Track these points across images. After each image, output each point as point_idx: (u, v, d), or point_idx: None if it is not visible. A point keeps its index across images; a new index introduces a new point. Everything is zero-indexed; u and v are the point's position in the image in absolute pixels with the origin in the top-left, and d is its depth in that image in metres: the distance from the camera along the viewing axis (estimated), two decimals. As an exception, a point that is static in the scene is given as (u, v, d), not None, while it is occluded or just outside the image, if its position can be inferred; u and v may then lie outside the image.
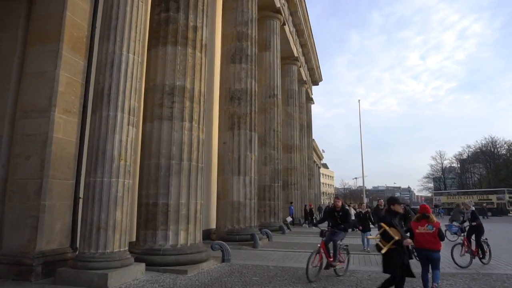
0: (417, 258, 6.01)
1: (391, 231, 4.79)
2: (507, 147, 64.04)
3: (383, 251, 4.79)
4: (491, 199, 45.14)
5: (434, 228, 5.31)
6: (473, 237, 8.80)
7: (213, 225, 13.44)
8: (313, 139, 38.76)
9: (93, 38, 7.87)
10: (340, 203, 7.63)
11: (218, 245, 8.95)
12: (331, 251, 7.12)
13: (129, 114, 6.76)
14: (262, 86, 18.48)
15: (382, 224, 4.89)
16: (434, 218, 5.53)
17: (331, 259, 7.01)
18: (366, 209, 12.79)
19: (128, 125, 6.73)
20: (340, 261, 7.22)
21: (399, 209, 5.09)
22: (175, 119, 8.14)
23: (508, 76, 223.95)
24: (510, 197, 43.87)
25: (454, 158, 70.95)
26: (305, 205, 25.10)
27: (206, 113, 13.99)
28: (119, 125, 6.54)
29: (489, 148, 64.37)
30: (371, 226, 12.15)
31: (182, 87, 8.33)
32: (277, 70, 19.13)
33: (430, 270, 5.45)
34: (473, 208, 9.73)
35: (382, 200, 11.38)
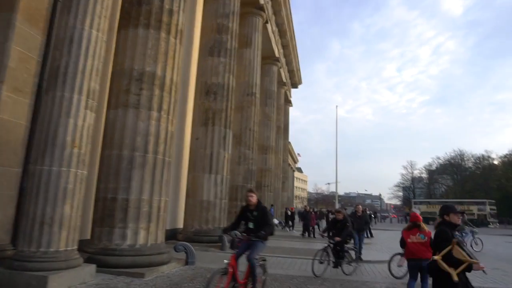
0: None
1: (461, 252, 3.70)
2: (473, 161, 66.57)
3: (455, 278, 3.60)
4: (472, 210, 44.70)
5: (426, 237, 5.25)
6: None
7: (181, 225, 12.73)
8: (289, 142, 38.53)
9: (55, 11, 7.07)
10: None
11: (182, 246, 8.30)
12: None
13: (87, 96, 6.03)
14: (240, 84, 17.92)
15: (454, 241, 3.79)
16: (425, 227, 5.44)
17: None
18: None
19: (86, 109, 6.00)
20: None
21: (457, 220, 4.12)
22: (142, 108, 7.45)
23: (477, 93, 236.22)
24: (491, 209, 43.76)
25: (424, 168, 72.99)
26: (286, 209, 24.64)
27: (180, 106, 13.39)
28: (75, 108, 5.81)
29: (457, 160, 66.75)
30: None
31: (152, 73, 7.65)
32: (257, 68, 18.64)
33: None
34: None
35: (360, 206, 10.84)
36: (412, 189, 71.11)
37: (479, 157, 65.93)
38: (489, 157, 65.03)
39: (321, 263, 7.40)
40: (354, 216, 10.78)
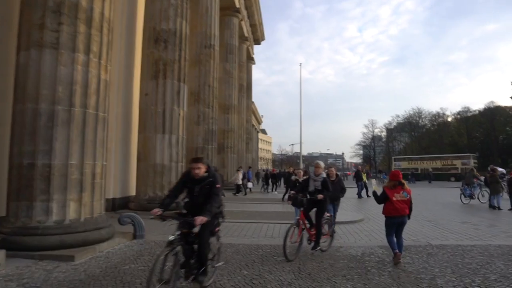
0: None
1: None
2: (429, 118, 69.19)
3: None
4: (455, 165, 44.15)
5: (408, 195, 5.42)
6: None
7: (133, 192, 11.40)
8: (253, 102, 37.14)
9: None
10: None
11: (128, 217, 7.05)
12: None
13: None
14: (196, 34, 16.10)
15: None
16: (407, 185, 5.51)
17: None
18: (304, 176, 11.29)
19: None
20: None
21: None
22: (63, 48, 5.81)
23: (432, 53, 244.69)
24: (475, 163, 42.40)
25: (383, 127, 75.09)
26: (267, 170, 27.69)
27: (125, 57, 11.48)
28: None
29: (415, 118, 69.03)
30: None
31: (75, 4, 5.94)
32: (215, 17, 16.79)
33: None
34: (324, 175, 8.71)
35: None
36: (372, 147, 73.26)
37: (434, 115, 68.56)
38: (444, 114, 67.81)
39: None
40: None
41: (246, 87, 29.44)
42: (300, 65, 44.88)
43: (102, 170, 6.39)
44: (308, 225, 5.85)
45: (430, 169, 43.55)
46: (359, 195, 17.25)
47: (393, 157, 55.51)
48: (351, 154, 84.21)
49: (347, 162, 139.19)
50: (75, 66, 5.84)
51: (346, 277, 4.68)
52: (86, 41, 6.04)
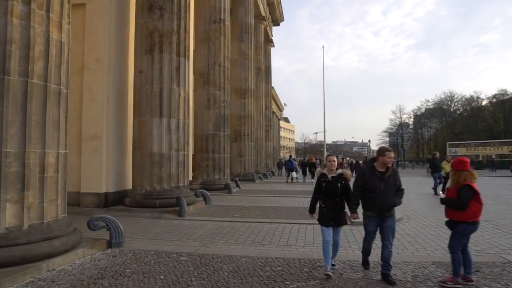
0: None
1: None
2: (462, 102, 64.78)
3: None
4: (503, 151, 40.61)
5: None
6: None
7: (130, 185, 9.92)
8: (273, 87, 35.10)
9: None
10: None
11: (102, 220, 5.53)
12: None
13: None
14: (204, 8, 14.38)
15: None
16: None
17: None
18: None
19: None
20: None
21: None
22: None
23: (461, 35, 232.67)
24: None
25: (412, 113, 71.18)
26: (304, 158, 26.72)
27: (117, 30, 9.90)
28: None
29: (446, 102, 64.81)
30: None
31: None
32: (226, -12, 14.93)
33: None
34: None
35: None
36: (400, 133, 69.57)
37: (467, 99, 64.00)
38: (478, 97, 63.18)
39: None
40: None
41: (264, 71, 27.35)
42: (323, 48, 42.35)
43: (58, 160, 4.82)
44: None
45: (494, 156, 39.06)
46: (435, 191, 13.86)
47: (447, 143, 49.31)
48: (377, 142, 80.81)
49: (373, 150, 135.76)
50: (9, 18, 4.24)
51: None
52: (26, -15, 4.42)
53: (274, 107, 43.41)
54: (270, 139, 32.22)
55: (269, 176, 24.92)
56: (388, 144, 74.04)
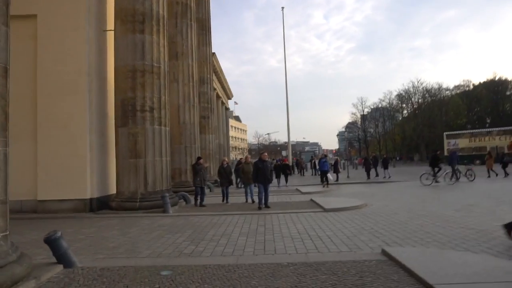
0: None
1: None
2: (421, 94, 64.44)
3: None
4: None
5: None
6: None
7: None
8: (214, 53, 28.68)
9: None
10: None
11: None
12: None
13: None
14: None
15: None
16: None
17: None
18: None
19: None
20: None
21: None
22: None
23: (397, 39, 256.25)
24: None
25: (374, 105, 69.84)
26: (277, 160, 27.29)
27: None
28: None
29: (410, 93, 63.95)
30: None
31: None
32: None
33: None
34: None
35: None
36: (363, 128, 67.48)
37: (428, 90, 63.66)
38: (440, 88, 63.22)
39: None
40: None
41: (197, 18, 20.88)
42: (282, 9, 38.02)
43: None
44: None
45: (506, 148, 35.78)
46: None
47: (444, 134, 45.34)
48: (331, 141, 79.02)
49: (323, 149, 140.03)
50: None
51: None
52: None
53: (218, 89, 37.07)
54: (210, 131, 25.09)
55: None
56: (345, 142, 71.79)
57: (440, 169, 18.29)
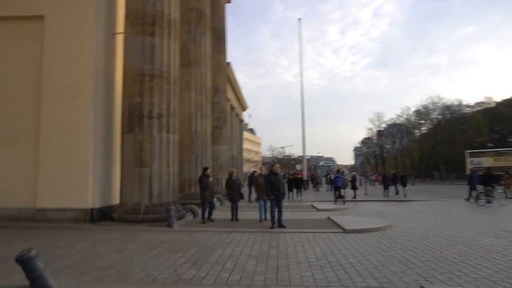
0: None
1: None
2: (441, 110, 62.57)
3: None
4: None
5: None
6: None
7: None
8: (229, 62, 27.84)
9: None
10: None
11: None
12: None
13: None
14: None
15: None
16: None
17: None
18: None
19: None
20: None
21: None
22: None
23: (414, 56, 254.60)
24: None
25: (391, 121, 68.12)
26: (291, 174, 25.27)
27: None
28: None
29: (429, 108, 62.18)
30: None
31: None
32: None
33: None
34: None
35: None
36: (380, 144, 65.81)
37: (447, 106, 61.67)
38: (461, 104, 61.17)
39: None
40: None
41: (213, 27, 20.70)
42: (299, 20, 37.56)
43: None
44: None
45: None
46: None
47: (466, 152, 43.17)
48: (345, 156, 77.56)
49: (337, 165, 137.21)
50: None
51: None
52: None
53: (232, 100, 36.43)
54: (222, 141, 24.42)
55: (214, 206, 11.71)
56: (360, 157, 70.07)
57: (493, 189, 17.15)
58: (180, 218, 10.53)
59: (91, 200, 10.18)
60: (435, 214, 13.33)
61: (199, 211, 11.40)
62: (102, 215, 10.40)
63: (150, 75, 10.71)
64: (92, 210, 10.21)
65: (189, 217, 11.56)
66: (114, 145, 11.29)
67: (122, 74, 11.27)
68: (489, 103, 67.07)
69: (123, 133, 10.85)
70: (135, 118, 10.57)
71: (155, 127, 10.55)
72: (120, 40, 11.64)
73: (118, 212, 10.34)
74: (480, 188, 18.11)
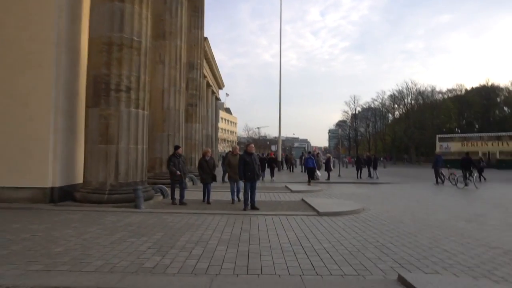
0: None
1: None
2: (415, 96, 64.05)
3: None
4: None
5: None
6: None
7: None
8: (206, 38, 26.82)
9: None
10: None
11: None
12: None
13: None
14: None
15: None
16: None
17: None
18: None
19: None
20: None
21: None
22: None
23: (391, 40, 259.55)
24: None
25: (366, 104, 69.17)
26: (263, 154, 27.49)
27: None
28: None
29: (403, 94, 63.39)
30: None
31: None
32: None
33: None
34: None
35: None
36: (354, 127, 66.84)
37: (421, 92, 63.29)
38: (434, 90, 62.69)
39: None
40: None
41: (193, 3, 19.81)
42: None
43: None
44: None
45: (497, 154, 35.41)
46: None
47: (438, 136, 44.36)
48: (320, 138, 78.46)
49: (312, 147, 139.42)
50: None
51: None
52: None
53: (209, 77, 35.52)
54: (197, 120, 23.61)
55: (186, 186, 11.53)
56: (334, 140, 71.18)
57: (472, 172, 17.98)
58: (148, 198, 10.04)
59: (51, 178, 9.48)
60: (407, 197, 13.45)
61: (169, 191, 10.93)
62: (63, 195, 9.74)
63: (119, 44, 9.93)
64: (52, 189, 9.52)
65: (159, 198, 11.06)
66: (78, 120, 10.50)
67: (87, 42, 10.39)
68: (460, 90, 69.26)
69: (87, 106, 10.11)
70: (101, 91, 9.83)
71: (123, 102, 9.87)
72: (86, 4, 10.69)
73: (81, 192, 9.71)
74: (456, 171, 18.82)
